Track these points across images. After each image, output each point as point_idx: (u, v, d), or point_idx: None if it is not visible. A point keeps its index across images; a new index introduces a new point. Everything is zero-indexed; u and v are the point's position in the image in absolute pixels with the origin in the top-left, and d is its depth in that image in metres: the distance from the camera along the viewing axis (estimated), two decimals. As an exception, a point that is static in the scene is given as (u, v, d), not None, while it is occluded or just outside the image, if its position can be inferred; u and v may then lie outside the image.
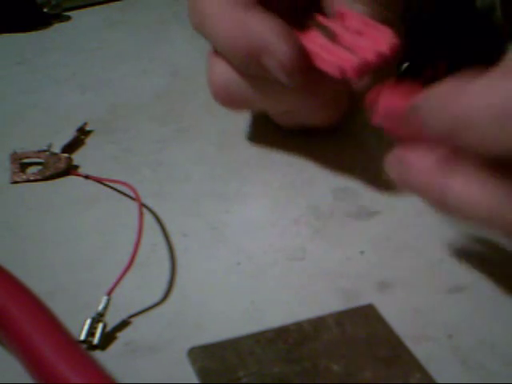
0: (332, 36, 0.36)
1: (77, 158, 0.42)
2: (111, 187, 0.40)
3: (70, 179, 0.41)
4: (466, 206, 0.29)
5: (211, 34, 0.38)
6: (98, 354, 0.31)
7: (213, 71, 0.40)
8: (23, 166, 0.41)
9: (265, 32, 0.36)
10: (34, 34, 0.55)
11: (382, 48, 0.34)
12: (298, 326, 0.32)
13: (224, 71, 0.39)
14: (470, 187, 0.29)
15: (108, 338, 0.31)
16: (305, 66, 0.36)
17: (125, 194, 0.39)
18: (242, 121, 0.45)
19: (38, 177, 0.41)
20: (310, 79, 0.36)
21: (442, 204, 0.31)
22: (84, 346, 0.31)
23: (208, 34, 0.39)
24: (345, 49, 0.35)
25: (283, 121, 0.43)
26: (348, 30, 0.36)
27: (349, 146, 0.43)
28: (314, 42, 0.36)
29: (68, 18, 0.57)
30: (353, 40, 0.35)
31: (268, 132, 0.44)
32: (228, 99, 0.40)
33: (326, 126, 0.41)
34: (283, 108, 0.41)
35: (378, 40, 0.35)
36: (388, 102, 0.32)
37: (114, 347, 0.31)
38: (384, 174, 0.32)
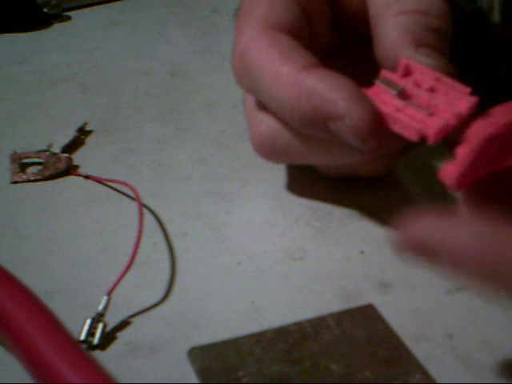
0: (403, 94, 0.32)
1: (77, 157, 0.42)
2: (111, 187, 0.40)
3: (70, 179, 0.41)
4: None
5: (267, 96, 0.34)
6: (97, 354, 0.31)
7: (256, 125, 0.36)
8: (23, 166, 0.41)
9: (334, 95, 0.32)
10: (33, 33, 0.55)
11: (461, 108, 0.31)
12: (298, 326, 0.32)
13: (271, 126, 0.36)
14: None
15: (108, 338, 0.31)
16: (380, 129, 0.32)
17: (125, 194, 0.39)
18: (242, 121, 0.44)
19: (38, 177, 0.41)
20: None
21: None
22: (84, 346, 0.31)
23: (262, 95, 0.35)
24: (421, 109, 0.31)
25: (328, 172, 0.39)
26: (420, 86, 0.32)
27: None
28: (385, 101, 0.32)
29: (68, 18, 0.57)
30: (428, 99, 0.32)
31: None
32: (274, 154, 0.37)
33: (374, 177, 0.39)
34: (335, 163, 0.38)
35: (455, 98, 0.31)
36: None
37: (114, 347, 0.31)
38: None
